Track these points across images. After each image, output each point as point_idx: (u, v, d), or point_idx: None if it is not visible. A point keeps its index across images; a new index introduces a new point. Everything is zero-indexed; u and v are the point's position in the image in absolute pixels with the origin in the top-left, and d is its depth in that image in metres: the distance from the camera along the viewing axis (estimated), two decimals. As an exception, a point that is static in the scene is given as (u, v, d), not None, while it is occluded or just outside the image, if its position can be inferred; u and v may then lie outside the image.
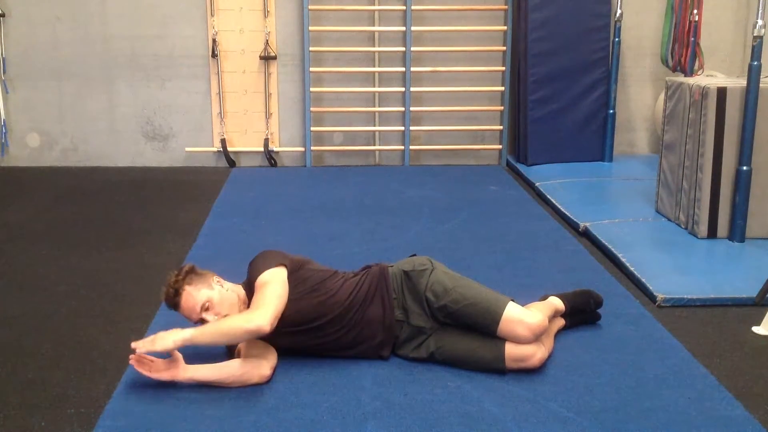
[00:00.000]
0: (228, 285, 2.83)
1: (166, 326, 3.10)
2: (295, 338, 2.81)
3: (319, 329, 2.80)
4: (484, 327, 2.75)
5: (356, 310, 2.81)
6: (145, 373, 2.61)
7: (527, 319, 2.73)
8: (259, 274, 2.74)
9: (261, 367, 2.69)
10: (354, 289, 2.84)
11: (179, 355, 2.64)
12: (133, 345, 2.59)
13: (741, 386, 2.74)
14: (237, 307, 2.77)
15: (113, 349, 2.99)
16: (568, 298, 3.13)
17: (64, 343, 3.06)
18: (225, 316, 2.70)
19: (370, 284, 2.86)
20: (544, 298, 3.13)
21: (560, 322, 3.08)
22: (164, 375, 2.61)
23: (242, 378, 2.66)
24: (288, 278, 2.77)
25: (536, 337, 2.75)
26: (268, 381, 2.70)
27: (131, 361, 2.62)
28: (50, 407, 2.58)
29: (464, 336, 2.80)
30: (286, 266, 2.80)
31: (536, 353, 2.75)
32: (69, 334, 3.15)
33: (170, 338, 2.57)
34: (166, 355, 2.64)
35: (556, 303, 3.07)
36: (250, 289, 2.78)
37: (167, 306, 2.79)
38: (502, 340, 2.75)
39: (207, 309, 2.71)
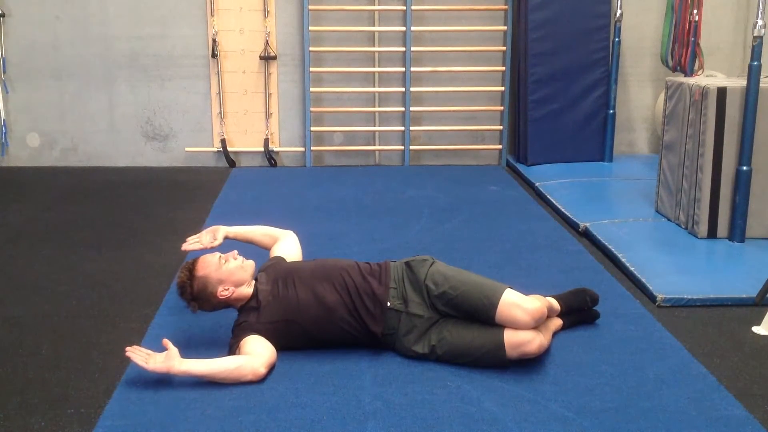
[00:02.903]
0: None
1: (166, 326, 3.13)
2: (294, 295, 2.87)
3: (319, 283, 2.87)
4: (482, 312, 2.77)
5: (355, 278, 2.89)
6: (141, 364, 2.62)
7: (525, 304, 2.76)
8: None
9: (255, 363, 2.70)
10: (355, 262, 2.99)
11: (175, 349, 2.67)
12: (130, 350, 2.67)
13: (741, 386, 2.74)
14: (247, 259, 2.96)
15: (113, 349, 2.99)
16: (563, 298, 3.14)
17: (64, 343, 3.07)
18: (243, 260, 2.93)
19: (371, 266, 2.98)
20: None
21: (558, 322, 3.09)
22: (160, 367, 2.62)
23: (235, 373, 2.66)
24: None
25: (535, 322, 2.76)
26: (263, 379, 2.70)
27: (127, 352, 2.64)
28: (50, 407, 2.58)
29: (464, 327, 2.82)
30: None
31: (535, 338, 2.76)
32: (69, 334, 3.16)
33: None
34: (162, 349, 2.68)
35: (552, 301, 3.07)
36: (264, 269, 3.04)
37: (181, 287, 2.86)
38: (501, 328, 2.76)
39: (225, 260, 2.90)
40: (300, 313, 2.86)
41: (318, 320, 2.86)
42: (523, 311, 2.73)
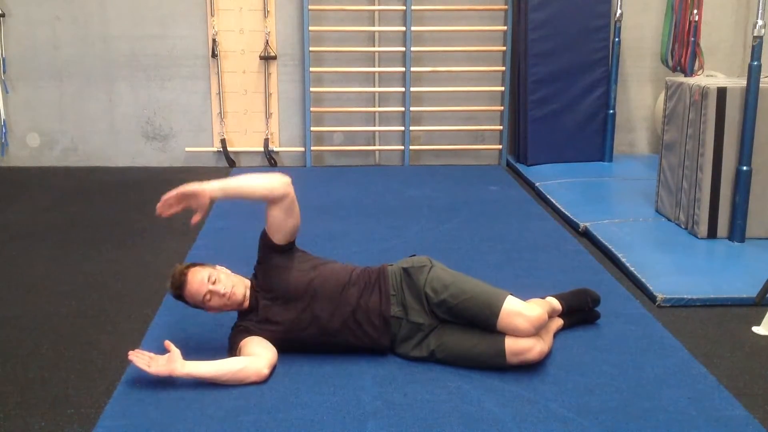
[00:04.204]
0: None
1: (166, 326, 3.12)
2: (294, 313, 2.82)
3: (318, 302, 2.82)
4: (483, 320, 2.76)
5: (355, 294, 2.84)
6: (143, 367, 2.61)
7: (526, 312, 2.74)
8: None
9: (259, 365, 2.69)
10: (353, 274, 2.91)
11: (177, 351, 2.66)
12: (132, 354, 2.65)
13: (741, 386, 2.74)
14: (241, 286, 2.84)
15: (113, 349, 2.99)
16: (564, 298, 3.13)
17: (64, 343, 3.06)
18: (232, 286, 2.81)
19: (369, 275, 2.91)
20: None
21: (558, 321, 3.09)
22: (162, 370, 2.62)
23: (239, 375, 2.66)
24: (293, 251, 2.93)
25: (536, 330, 2.75)
26: (266, 380, 2.70)
27: (130, 356, 2.64)
28: (50, 407, 2.58)
29: (464, 332, 2.80)
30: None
31: (535, 346, 2.75)
32: (69, 334, 3.15)
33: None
34: (164, 351, 2.67)
35: (553, 302, 3.07)
36: (261, 270, 2.91)
37: (173, 293, 2.83)
38: (502, 334, 2.75)
39: (214, 282, 2.78)
40: (301, 332, 2.84)
41: (319, 338, 2.86)
42: (525, 319, 2.72)
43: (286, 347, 2.84)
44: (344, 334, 2.84)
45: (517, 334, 2.73)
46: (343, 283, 2.86)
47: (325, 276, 2.88)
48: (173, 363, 2.63)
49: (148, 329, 3.15)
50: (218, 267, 2.90)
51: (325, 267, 2.93)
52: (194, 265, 2.87)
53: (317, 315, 2.82)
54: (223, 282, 2.81)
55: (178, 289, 2.81)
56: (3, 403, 2.61)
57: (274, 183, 2.83)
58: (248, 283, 2.92)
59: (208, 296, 2.78)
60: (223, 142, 6.36)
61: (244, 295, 2.86)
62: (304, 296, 2.84)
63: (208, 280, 2.78)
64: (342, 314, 2.82)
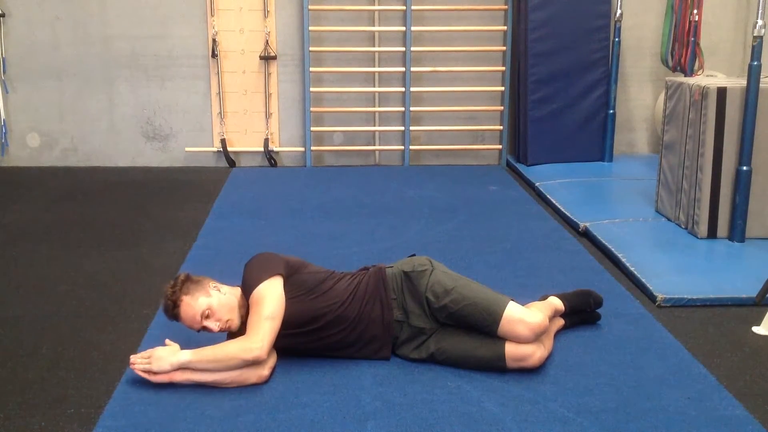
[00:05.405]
0: (225, 289, 2.82)
1: (166, 327, 3.11)
2: (295, 340, 2.81)
3: (319, 330, 2.80)
4: (484, 327, 2.75)
5: (355, 310, 2.81)
6: (145, 376, 2.63)
7: (528, 319, 2.73)
8: (254, 287, 2.73)
9: (259, 367, 2.68)
10: (353, 289, 2.85)
11: (177, 346, 2.67)
12: (132, 360, 2.65)
13: (741, 386, 2.74)
14: (236, 311, 2.77)
15: (113, 349, 2.99)
16: (567, 299, 3.13)
17: (64, 343, 3.06)
18: (227, 321, 2.73)
19: (367, 284, 2.87)
20: (544, 298, 3.14)
21: (560, 322, 3.09)
22: (162, 378, 2.63)
23: (240, 378, 2.66)
24: (285, 284, 2.77)
25: (537, 337, 2.75)
26: (267, 381, 2.70)
27: (131, 366, 2.64)
28: (50, 407, 2.58)
29: (464, 336, 2.80)
30: (281, 275, 2.78)
31: (536, 352, 2.75)
32: (69, 334, 3.15)
33: (167, 361, 2.62)
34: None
35: (555, 303, 3.07)
36: (246, 293, 2.78)
37: (167, 317, 2.78)
38: (502, 339, 2.75)
39: (207, 317, 2.72)
40: (299, 346, 2.83)
41: (319, 351, 2.85)
42: (526, 326, 2.72)
43: (285, 352, 2.83)
44: (345, 349, 2.84)
45: (518, 340, 2.73)
46: (342, 301, 2.81)
47: (324, 300, 2.81)
48: (173, 369, 2.63)
49: (148, 329, 3.15)
50: (212, 283, 2.80)
51: (321, 287, 2.83)
52: (186, 283, 2.74)
53: (317, 336, 2.81)
54: (217, 314, 2.72)
55: (171, 319, 2.76)
56: (3, 403, 2.61)
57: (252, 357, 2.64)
58: (240, 295, 2.81)
59: (201, 330, 2.75)
60: (223, 142, 6.36)
61: (241, 320, 2.78)
62: (303, 324, 2.79)
63: (201, 316, 2.71)
64: (342, 331, 2.81)
